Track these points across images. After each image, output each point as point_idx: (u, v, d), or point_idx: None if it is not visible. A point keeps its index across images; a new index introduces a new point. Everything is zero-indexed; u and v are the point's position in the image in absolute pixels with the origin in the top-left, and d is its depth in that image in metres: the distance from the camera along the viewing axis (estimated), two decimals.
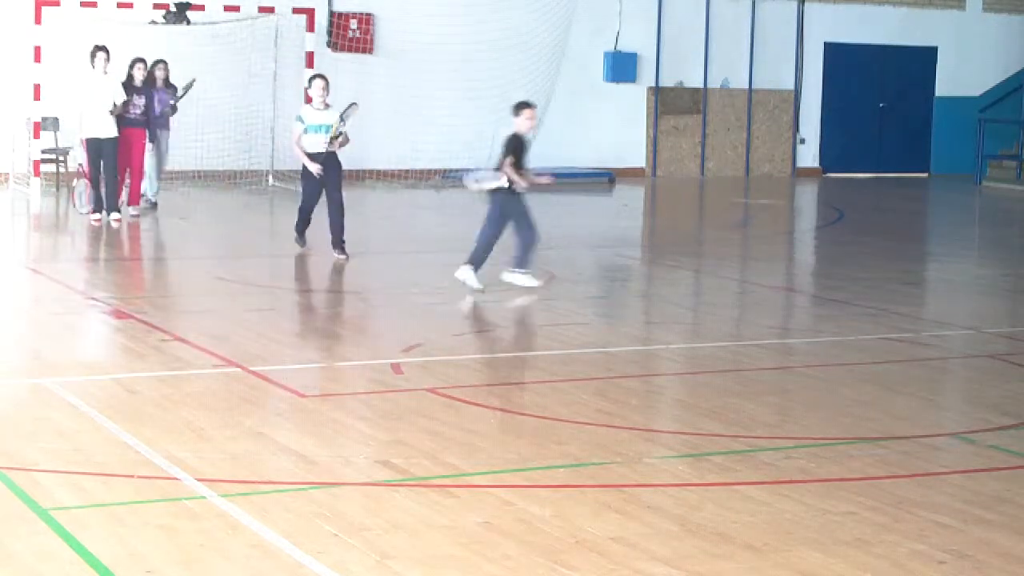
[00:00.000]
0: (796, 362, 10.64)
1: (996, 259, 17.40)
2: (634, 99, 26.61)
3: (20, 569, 5.78)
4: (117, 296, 12.50)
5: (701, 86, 27.14)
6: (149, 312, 11.80)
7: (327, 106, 15.14)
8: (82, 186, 17.87)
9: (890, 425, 8.55)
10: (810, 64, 28.15)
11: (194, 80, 19.49)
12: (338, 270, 14.72)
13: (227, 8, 22.05)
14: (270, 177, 23.31)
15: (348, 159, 23.87)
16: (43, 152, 20.98)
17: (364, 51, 24.18)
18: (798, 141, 28.06)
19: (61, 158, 21.21)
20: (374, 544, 6.12)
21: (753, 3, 27.42)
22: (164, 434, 7.83)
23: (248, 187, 22.73)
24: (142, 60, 18.66)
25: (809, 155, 28.36)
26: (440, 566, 5.91)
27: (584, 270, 15.32)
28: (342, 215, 14.95)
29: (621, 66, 26.22)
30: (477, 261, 13.10)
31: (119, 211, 17.53)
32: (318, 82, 15.29)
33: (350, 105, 15.47)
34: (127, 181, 18.18)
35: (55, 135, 21.18)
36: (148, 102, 18.39)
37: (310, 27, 22.52)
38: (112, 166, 17.56)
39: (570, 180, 25.00)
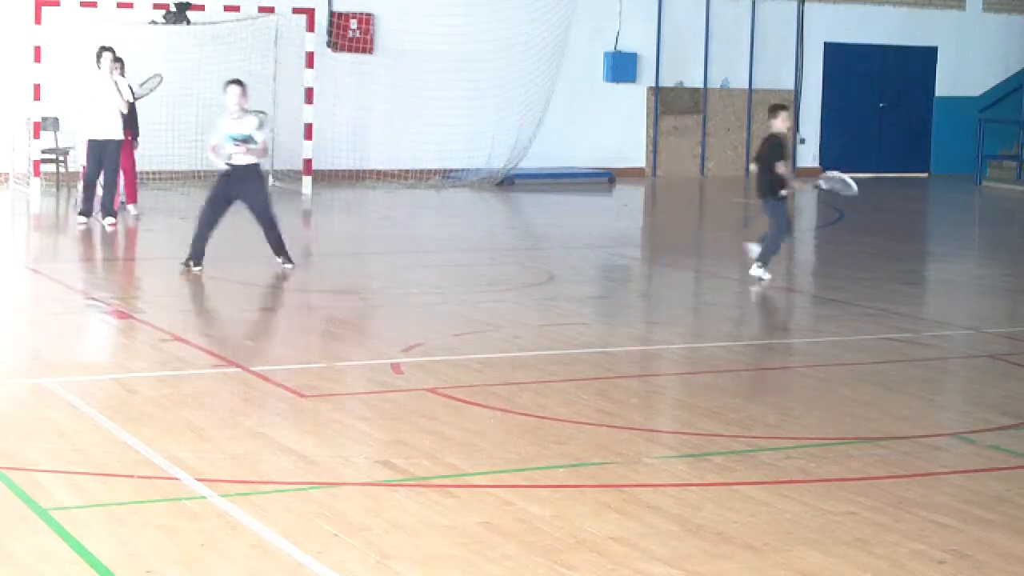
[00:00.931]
0: (796, 362, 10.64)
1: (996, 259, 17.40)
2: (634, 99, 26.61)
3: (20, 569, 5.78)
4: (117, 296, 12.50)
5: (701, 86, 27.14)
6: (149, 312, 11.81)
7: (244, 113, 14.20)
8: (82, 187, 17.80)
9: (890, 425, 8.55)
10: (810, 64, 28.16)
11: (158, 77, 19.18)
12: (338, 271, 14.73)
13: (227, 8, 22.05)
14: (270, 177, 23.30)
15: (348, 159, 24.08)
16: (43, 152, 20.98)
17: (364, 51, 24.18)
18: (798, 141, 28.06)
19: (61, 158, 21.21)
20: (374, 544, 6.12)
21: (753, 3, 27.42)
22: (164, 434, 7.83)
23: None
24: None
25: (809, 155, 28.37)
26: (440, 566, 5.91)
27: (584, 270, 15.32)
28: (273, 228, 14.14)
29: (621, 66, 26.22)
30: (765, 259, 14.00)
31: (114, 215, 17.37)
32: (233, 88, 14.25)
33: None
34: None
35: (55, 135, 21.18)
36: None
37: (310, 27, 22.52)
38: (112, 169, 17.51)
39: (570, 180, 25.04)
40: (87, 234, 16.92)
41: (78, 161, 18.53)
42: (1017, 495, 7.10)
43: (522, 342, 10.87)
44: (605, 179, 25.45)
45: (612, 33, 26.20)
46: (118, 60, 17.73)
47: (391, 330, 11.50)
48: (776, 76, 27.79)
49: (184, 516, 6.45)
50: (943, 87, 29.23)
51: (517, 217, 21.50)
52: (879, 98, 28.82)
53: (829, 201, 24.47)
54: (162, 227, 17.83)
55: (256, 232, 14.23)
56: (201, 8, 21.69)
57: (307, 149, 22.51)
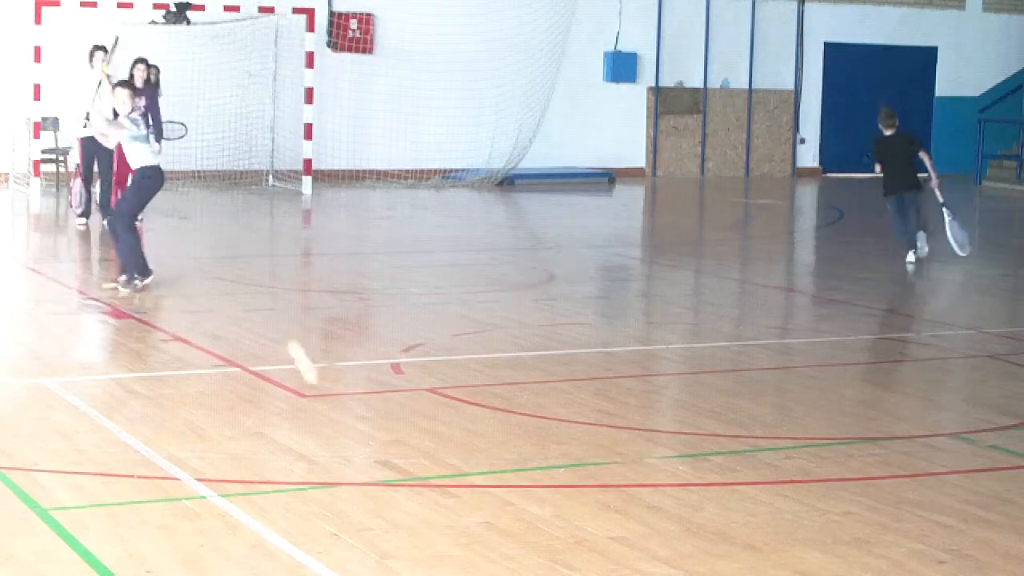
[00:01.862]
0: (796, 362, 10.63)
1: (996, 259, 17.39)
2: (634, 99, 26.62)
3: (20, 569, 5.78)
4: (117, 296, 12.49)
5: (701, 86, 27.14)
6: (149, 312, 11.80)
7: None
8: (78, 186, 17.79)
9: (890, 425, 8.55)
10: (810, 64, 28.16)
11: (182, 127, 19.22)
12: (338, 271, 14.73)
13: (227, 8, 22.06)
14: (270, 177, 23.32)
15: (348, 159, 24.10)
16: (43, 152, 20.99)
17: (364, 51, 24.19)
18: (798, 141, 28.06)
19: (61, 158, 21.22)
20: (374, 544, 6.12)
21: (753, 3, 27.42)
22: (164, 434, 7.83)
23: (248, 187, 22.75)
24: (143, 60, 18.31)
25: (809, 155, 28.37)
26: (440, 566, 5.91)
27: (584, 270, 15.32)
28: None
29: (621, 66, 26.23)
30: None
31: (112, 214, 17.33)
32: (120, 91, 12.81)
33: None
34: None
35: (55, 135, 21.19)
36: (151, 103, 17.99)
37: (310, 27, 22.53)
38: (108, 168, 17.47)
39: (570, 180, 25.04)
40: (86, 234, 16.91)
41: (73, 160, 18.54)
42: (1017, 495, 7.10)
43: (522, 342, 10.86)
44: (605, 179, 25.45)
45: (612, 33, 26.20)
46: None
47: (391, 330, 11.50)
48: (776, 76, 27.79)
49: (184, 516, 6.45)
50: (943, 87, 29.24)
51: (517, 217, 21.50)
52: (879, 98, 28.76)
53: (828, 200, 24.50)
54: (162, 227, 17.82)
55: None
56: (201, 8, 21.70)
57: (307, 149, 22.52)
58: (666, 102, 26.83)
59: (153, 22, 21.60)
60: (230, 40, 22.89)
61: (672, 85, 26.91)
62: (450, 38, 24.15)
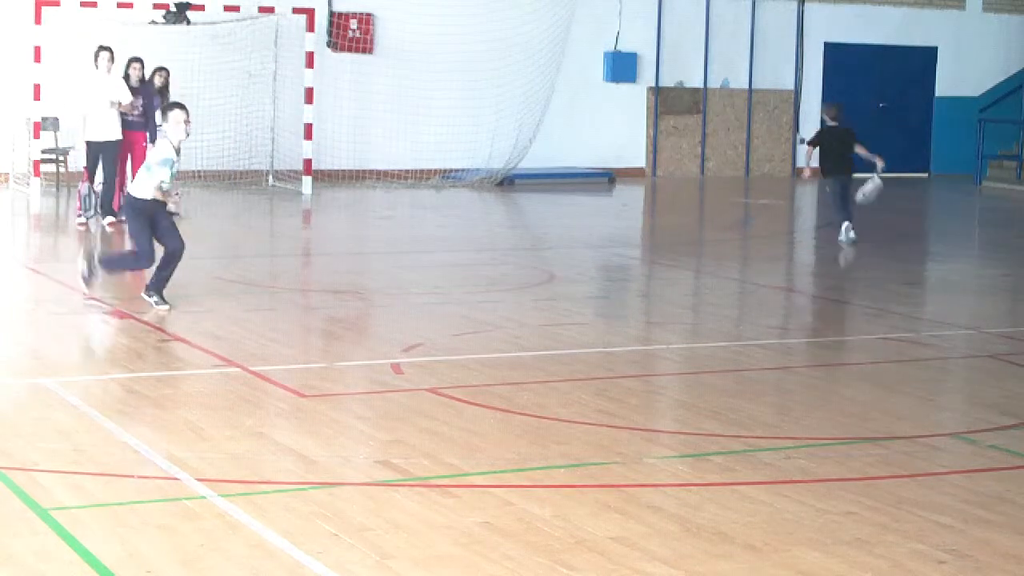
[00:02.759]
0: (796, 362, 10.64)
1: (996, 259, 17.39)
2: (634, 99, 26.62)
3: (20, 569, 5.78)
4: (117, 296, 12.50)
5: (701, 86, 27.14)
6: (149, 312, 11.80)
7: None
8: (86, 189, 17.72)
9: (890, 425, 8.55)
10: (810, 64, 28.16)
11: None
12: (338, 271, 14.72)
13: (227, 8, 22.06)
14: (270, 177, 23.32)
15: (348, 159, 24.09)
16: (43, 152, 20.98)
17: (364, 51, 24.19)
18: (798, 141, 28.06)
19: (61, 158, 21.21)
20: (374, 544, 6.12)
21: (753, 3, 27.42)
22: (164, 434, 7.83)
23: (248, 187, 22.74)
24: (139, 60, 18.27)
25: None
26: (440, 566, 5.91)
27: (584, 270, 15.31)
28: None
29: (621, 66, 26.23)
30: None
31: (115, 215, 17.35)
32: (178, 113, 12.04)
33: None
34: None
35: (55, 135, 21.18)
36: (147, 103, 17.96)
37: (310, 27, 22.53)
38: (111, 169, 17.48)
39: (570, 180, 25.04)
40: (84, 235, 16.91)
41: (79, 162, 18.49)
42: (1017, 495, 7.10)
43: (522, 342, 10.86)
44: (605, 179, 25.45)
45: (612, 33, 26.20)
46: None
47: (391, 330, 11.49)
48: (776, 76, 27.79)
49: (184, 516, 6.45)
50: (943, 87, 29.24)
51: (517, 217, 21.50)
52: (879, 98, 28.81)
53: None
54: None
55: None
56: (201, 8, 21.70)
57: (307, 149, 22.52)
58: (666, 102, 26.83)
59: (153, 22, 21.60)
60: (230, 40, 22.88)
61: (672, 85, 26.91)
62: (450, 38, 24.15)
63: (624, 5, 26.13)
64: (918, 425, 8.63)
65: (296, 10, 22.62)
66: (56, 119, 21.07)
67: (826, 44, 28.21)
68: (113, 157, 17.48)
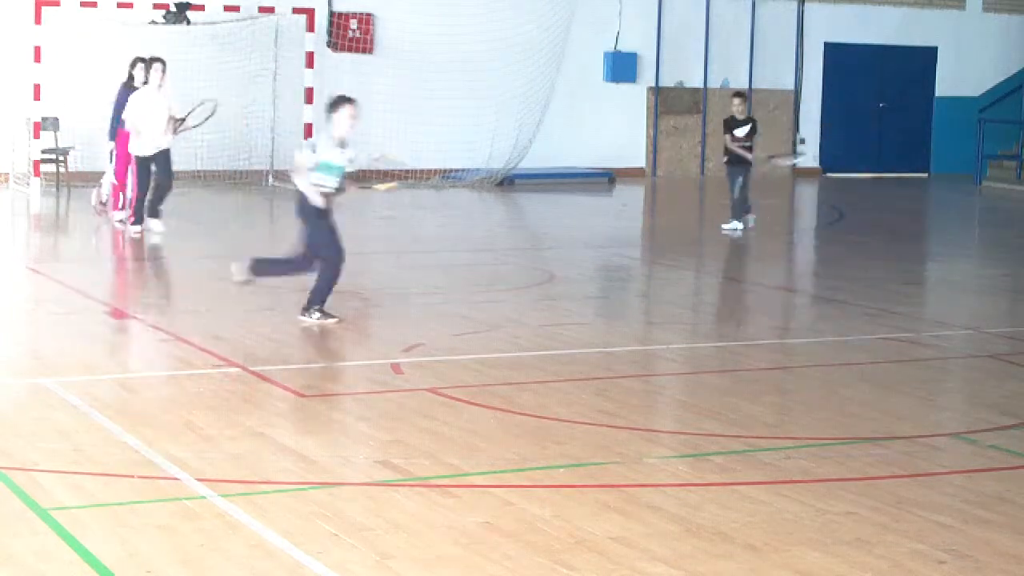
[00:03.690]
0: (796, 362, 10.63)
1: (996, 259, 17.39)
2: (634, 99, 26.62)
3: (20, 569, 5.78)
4: (117, 296, 12.49)
5: (701, 86, 27.14)
6: (149, 312, 11.80)
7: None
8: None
9: (890, 425, 8.55)
10: (810, 64, 28.17)
11: (211, 105, 17.96)
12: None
13: (227, 8, 22.07)
14: (270, 177, 23.33)
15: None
16: (43, 152, 20.99)
17: (364, 51, 24.19)
18: (798, 141, 28.06)
19: (61, 158, 21.22)
20: (374, 544, 6.12)
21: (753, 3, 27.42)
22: (164, 434, 7.83)
23: (248, 187, 22.74)
24: (143, 60, 17.95)
25: (809, 155, 28.36)
26: (440, 566, 5.91)
27: (584, 270, 15.32)
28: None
29: (621, 66, 26.23)
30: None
31: (158, 216, 16.87)
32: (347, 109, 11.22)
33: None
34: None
35: (55, 135, 21.19)
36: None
37: (310, 27, 22.54)
38: (164, 175, 16.72)
39: (570, 180, 25.04)
40: (93, 232, 16.91)
41: (80, 162, 18.44)
42: (1017, 495, 7.10)
43: (522, 342, 10.86)
44: (605, 179, 25.46)
45: (612, 33, 26.20)
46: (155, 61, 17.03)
47: (391, 330, 11.49)
48: (776, 76, 27.79)
49: (184, 516, 6.45)
50: (943, 87, 29.24)
51: (517, 217, 21.50)
52: (879, 98, 28.82)
53: (828, 200, 24.49)
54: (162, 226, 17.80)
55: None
56: (201, 8, 21.71)
57: None
58: (666, 102, 26.83)
59: (153, 22, 21.60)
60: (230, 40, 22.89)
61: (672, 85, 26.92)
62: (450, 38, 24.16)
63: (624, 5, 26.13)
64: (918, 425, 8.63)
65: (296, 10, 22.63)
66: (56, 119, 21.07)
67: (826, 44, 28.21)
68: (165, 163, 16.98)
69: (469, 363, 10.11)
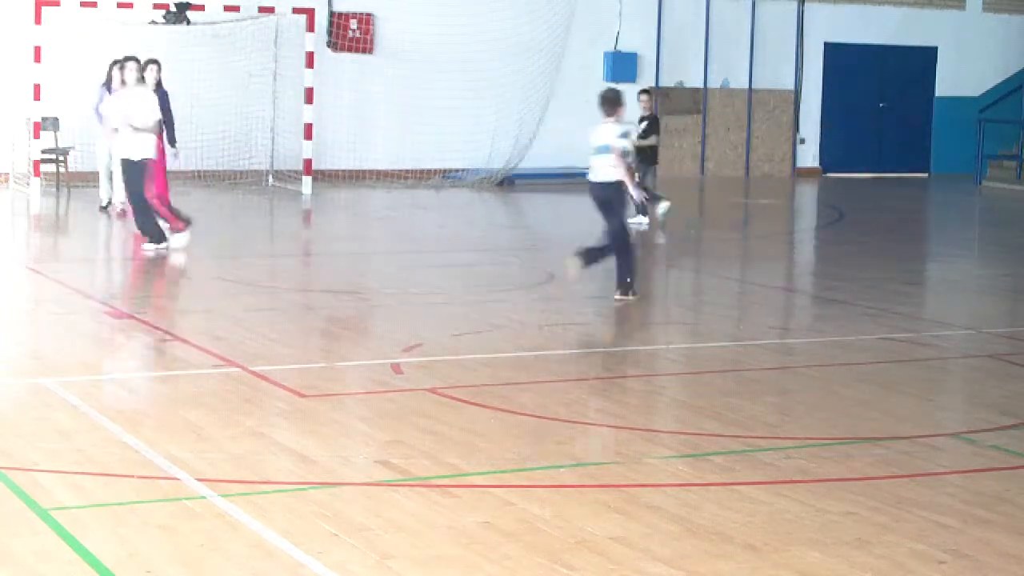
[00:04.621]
0: (796, 362, 10.63)
1: (996, 259, 17.39)
2: (634, 99, 26.57)
3: (20, 569, 5.78)
4: (117, 296, 12.49)
5: (701, 86, 27.14)
6: (149, 312, 11.80)
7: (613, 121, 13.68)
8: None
9: (890, 425, 8.55)
10: (810, 64, 28.16)
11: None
12: (338, 271, 14.71)
13: (227, 8, 22.06)
14: (270, 177, 23.32)
15: (348, 159, 24.08)
16: (43, 152, 20.98)
17: (364, 51, 24.19)
18: (798, 141, 28.06)
19: (61, 158, 21.22)
20: (374, 544, 6.12)
21: (753, 3, 27.42)
22: (164, 434, 7.83)
23: (248, 187, 22.74)
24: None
25: (809, 155, 28.38)
26: (440, 566, 5.91)
27: (584, 270, 15.27)
28: (620, 253, 13.24)
29: (621, 66, 26.22)
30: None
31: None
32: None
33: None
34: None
35: (55, 135, 21.19)
36: (164, 105, 16.50)
37: (310, 27, 22.53)
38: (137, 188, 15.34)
39: (570, 180, 25.02)
40: (92, 232, 16.91)
41: (80, 162, 18.40)
42: (1017, 495, 7.10)
43: (522, 342, 10.86)
44: None
45: (612, 33, 26.19)
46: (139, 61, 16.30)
47: (391, 330, 11.49)
48: (776, 76, 27.79)
49: (184, 516, 6.45)
50: (943, 87, 29.24)
51: (517, 217, 21.50)
52: (879, 98, 28.82)
53: (828, 200, 24.49)
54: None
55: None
56: (201, 8, 21.70)
57: (307, 149, 22.53)
58: (666, 102, 26.82)
59: (153, 22, 21.60)
60: (230, 40, 22.89)
61: (672, 85, 26.91)
62: (450, 38, 24.15)
63: (624, 5, 26.12)
64: (918, 425, 8.63)
65: (296, 10, 22.62)
66: (56, 119, 21.07)
67: (826, 44, 28.21)
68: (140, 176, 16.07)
69: (469, 363, 10.11)
